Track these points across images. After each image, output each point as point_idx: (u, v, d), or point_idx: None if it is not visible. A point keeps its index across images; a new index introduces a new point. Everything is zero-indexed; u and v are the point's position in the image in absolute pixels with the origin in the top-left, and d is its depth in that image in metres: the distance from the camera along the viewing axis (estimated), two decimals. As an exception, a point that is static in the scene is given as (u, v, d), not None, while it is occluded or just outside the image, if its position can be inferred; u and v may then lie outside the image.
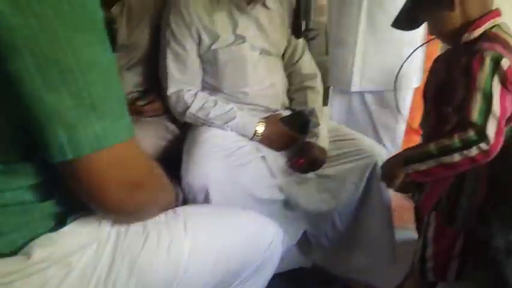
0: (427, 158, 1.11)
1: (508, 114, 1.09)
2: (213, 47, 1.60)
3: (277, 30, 1.70)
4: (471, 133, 1.05)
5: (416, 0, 1.23)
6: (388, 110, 2.06)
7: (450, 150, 1.07)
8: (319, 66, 1.82)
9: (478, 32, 1.14)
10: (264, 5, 1.66)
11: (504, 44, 1.09)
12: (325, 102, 1.94)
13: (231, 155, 1.52)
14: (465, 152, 1.05)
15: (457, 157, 1.07)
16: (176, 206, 0.97)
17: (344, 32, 2.10)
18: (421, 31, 1.98)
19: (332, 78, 2.20)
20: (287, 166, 1.64)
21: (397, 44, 1.98)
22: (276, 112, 1.71)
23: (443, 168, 1.10)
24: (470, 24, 1.15)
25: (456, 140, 1.06)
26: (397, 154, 1.28)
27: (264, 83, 1.68)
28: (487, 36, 1.13)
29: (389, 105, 2.04)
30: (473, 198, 1.16)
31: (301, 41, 1.79)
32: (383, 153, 1.65)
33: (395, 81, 1.48)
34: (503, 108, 1.06)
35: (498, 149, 1.05)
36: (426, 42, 1.45)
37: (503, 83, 1.06)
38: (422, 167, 1.12)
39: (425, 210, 1.27)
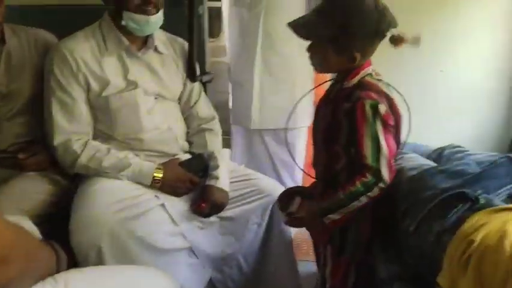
0: (340, 207, 1.20)
1: (394, 152, 1.19)
2: (103, 94, 1.54)
3: (171, 75, 1.69)
4: (369, 177, 1.17)
5: (319, 32, 1.23)
6: (285, 147, 2.14)
7: (356, 195, 1.18)
8: (221, 106, 1.85)
9: (354, 81, 1.24)
10: (156, 50, 1.65)
11: (376, 90, 1.20)
12: (226, 143, 1.96)
13: (127, 206, 1.45)
14: (369, 194, 1.17)
15: (363, 199, 1.18)
16: (58, 271, 0.89)
17: (242, 73, 2.18)
18: (312, 74, 2.12)
19: (233, 117, 2.25)
20: (189, 211, 1.60)
21: (290, 84, 2.09)
22: (175, 157, 1.68)
23: (353, 211, 1.19)
24: (349, 72, 1.25)
25: (359, 186, 1.17)
26: (310, 206, 1.30)
27: (160, 128, 1.64)
28: (362, 84, 1.23)
29: (287, 142, 2.11)
30: (359, 230, 1.22)
31: (197, 84, 1.79)
32: (281, 191, 1.68)
33: (287, 121, 1.53)
34: (389, 147, 1.18)
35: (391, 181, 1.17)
36: (318, 86, 1.54)
37: (384, 126, 1.17)
38: (337, 216, 1.20)
39: (320, 245, 1.31)
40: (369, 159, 1.16)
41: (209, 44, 2.76)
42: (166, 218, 1.55)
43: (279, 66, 2.11)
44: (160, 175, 1.57)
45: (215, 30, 3.33)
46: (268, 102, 2.13)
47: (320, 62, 1.27)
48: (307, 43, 1.27)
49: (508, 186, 0.95)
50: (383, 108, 1.18)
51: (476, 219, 0.86)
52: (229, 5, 2.18)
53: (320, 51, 1.24)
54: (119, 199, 1.44)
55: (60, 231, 1.36)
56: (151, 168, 1.56)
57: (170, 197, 1.59)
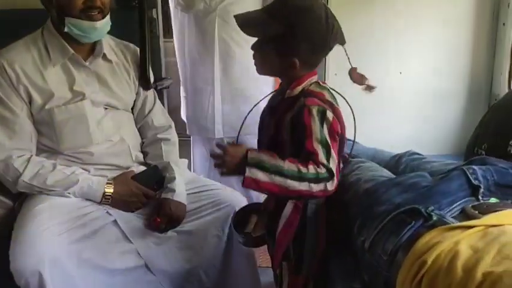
0: (275, 172, 1.06)
1: (337, 161, 1.14)
2: (46, 107, 1.45)
3: (122, 83, 1.61)
4: (323, 170, 1.07)
5: (267, 35, 1.17)
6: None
7: (300, 178, 1.06)
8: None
9: (298, 90, 1.19)
10: (105, 58, 1.57)
11: (321, 98, 1.16)
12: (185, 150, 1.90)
13: (73, 227, 1.36)
14: (312, 184, 1.06)
15: (302, 186, 1.06)
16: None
17: (200, 82, 2.12)
18: (273, 80, 2.08)
19: (190, 127, 2.19)
20: (143, 227, 1.53)
21: (252, 91, 2.04)
22: (128, 169, 1.60)
23: (282, 189, 1.06)
24: (291, 81, 1.19)
25: (311, 171, 1.06)
26: (243, 148, 1.14)
27: (111, 140, 1.56)
28: (306, 92, 1.18)
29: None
30: (314, 246, 1.18)
31: (151, 92, 1.72)
32: (242, 201, 1.64)
33: (240, 128, 1.48)
34: (336, 156, 1.12)
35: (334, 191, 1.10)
36: (271, 93, 1.49)
37: (331, 132, 1.12)
38: (265, 178, 1.06)
39: (276, 261, 1.27)
40: (323, 158, 1.08)
41: (166, 43, 2.68)
42: (118, 236, 1.47)
43: (239, 74, 2.06)
44: (111, 190, 1.49)
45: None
46: (231, 110, 2.08)
47: (261, 62, 1.22)
48: None
49: (460, 201, 0.93)
50: (330, 114, 1.12)
51: (428, 238, 0.83)
52: (174, 9, 2.10)
53: (262, 49, 1.19)
54: (64, 219, 1.36)
55: (2, 256, 1.28)
56: (101, 183, 1.48)
57: (123, 212, 1.52)
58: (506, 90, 1.72)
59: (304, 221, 1.17)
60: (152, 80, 1.72)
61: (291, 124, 1.14)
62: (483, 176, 0.97)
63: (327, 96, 1.18)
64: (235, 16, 1.19)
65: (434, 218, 0.88)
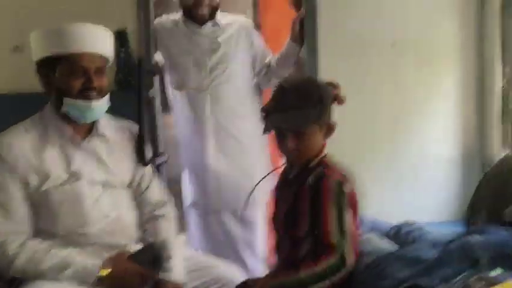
0: (298, 286, 1.12)
1: (356, 233, 1.16)
2: (43, 188, 1.45)
3: (119, 161, 1.62)
4: (334, 260, 1.11)
5: (300, 118, 1.21)
6: (246, 226, 2.07)
7: (320, 278, 1.11)
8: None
9: (316, 160, 1.24)
10: (103, 137, 1.60)
11: (338, 169, 1.21)
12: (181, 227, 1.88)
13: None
14: (332, 277, 1.12)
15: (325, 283, 1.12)
16: None
17: (194, 158, 2.15)
18: (267, 152, 2.12)
19: (190, 200, 2.19)
20: (140, 310, 1.47)
21: (247, 164, 2.06)
22: (126, 248, 1.57)
23: None
24: (317, 153, 1.25)
25: (324, 267, 1.11)
26: (265, 280, 1.24)
27: (108, 218, 1.54)
28: (324, 162, 1.23)
29: (246, 221, 2.06)
30: None
31: (148, 168, 1.73)
32: (241, 278, 1.59)
33: (245, 204, 1.49)
34: (352, 228, 1.16)
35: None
36: (274, 170, 1.51)
37: (348, 205, 1.16)
38: None
39: None
40: (335, 239, 1.12)
41: (166, 119, 2.74)
42: (114, 320, 1.41)
43: (233, 147, 2.10)
44: (107, 272, 1.44)
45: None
46: (226, 183, 2.09)
47: (307, 148, 1.23)
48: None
49: (462, 275, 0.91)
50: (348, 187, 1.17)
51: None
52: (171, 88, 2.18)
53: (309, 136, 1.21)
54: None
55: None
56: (96, 265, 1.44)
57: (119, 295, 1.46)
58: (498, 155, 1.75)
59: None
60: (150, 156, 1.74)
61: (310, 193, 1.17)
62: (483, 247, 0.96)
63: (341, 168, 1.22)
64: (266, 127, 1.24)
65: (438, 294, 0.86)
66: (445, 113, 2.00)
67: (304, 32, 1.94)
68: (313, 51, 1.93)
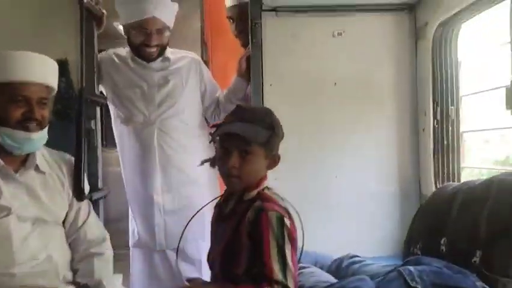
0: None
1: (297, 267, 1.13)
2: (-35, 224, 1.33)
3: (54, 196, 1.53)
4: None
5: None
6: (190, 262, 2.01)
7: None
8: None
9: (254, 193, 1.21)
10: (38, 170, 1.51)
11: (277, 203, 1.19)
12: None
13: None
14: None
15: None
16: None
17: (140, 193, 2.08)
18: (217, 184, 2.09)
19: (133, 241, 2.09)
20: None
21: (195, 198, 2.01)
22: (55, 291, 1.45)
23: None
24: (259, 181, 1.22)
25: None
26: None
27: (37, 258, 1.43)
28: (262, 195, 1.21)
29: (191, 258, 1.99)
30: None
31: (85, 203, 1.64)
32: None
33: (180, 238, 1.43)
34: (293, 262, 1.12)
35: None
36: (209, 203, 1.48)
37: (289, 239, 1.13)
38: None
39: None
40: (278, 275, 1.08)
41: (111, 154, 2.65)
42: None
43: (180, 181, 2.06)
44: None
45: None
46: (174, 220, 2.02)
47: (251, 167, 1.21)
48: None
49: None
50: (287, 221, 1.15)
51: None
52: (115, 121, 2.13)
53: (253, 157, 1.20)
54: None
55: None
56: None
57: None
58: (433, 189, 1.83)
59: None
60: (87, 190, 1.66)
61: (248, 228, 1.14)
62: (419, 276, 0.98)
63: (281, 202, 1.20)
64: (222, 132, 1.23)
65: (377, 325, 0.86)
66: (383, 151, 2.08)
67: (251, 69, 1.99)
68: (258, 87, 1.97)
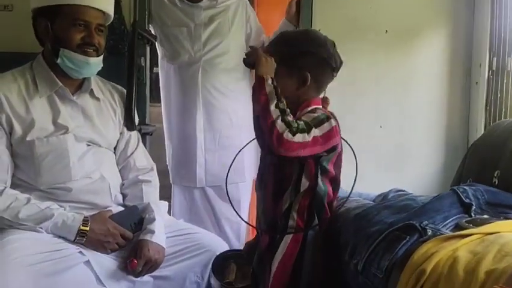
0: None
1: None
2: (28, 138, 1.41)
3: (107, 122, 1.59)
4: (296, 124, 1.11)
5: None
6: (229, 203, 2.04)
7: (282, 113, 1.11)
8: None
9: (305, 112, 1.20)
10: (92, 95, 1.57)
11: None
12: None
13: (43, 261, 1.26)
14: (279, 121, 1.10)
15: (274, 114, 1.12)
16: None
17: (185, 131, 2.12)
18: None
19: (174, 177, 2.15)
20: (118, 270, 1.43)
21: (235, 139, 2.04)
22: (107, 209, 1.53)
23: (265, 105, 1.12)
24: (300, 103, 1.22)
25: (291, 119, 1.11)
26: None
27: (91, 177, 1.50)
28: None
29: (231, 199, 2.03)
30: (312, 278, 1.12)
31: (134, 133, 1.69)
32: (223, 245, 1.57)
33: (226, 177, 1.46)
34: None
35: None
36: (253, 139, 1.49)
37: (326, 137, 1.15)
38: (268, 88, 1.12)
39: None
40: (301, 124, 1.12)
41: (155, 109, 2.70)
42: (90, 277, 1.36)
43: (222, 122, 2.09)
44: (87, 228, 1.40)
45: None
46: (213, 159, 2.06)
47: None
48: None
49: (454, 217, 0.91)
50: (333, 122, 1.16)
51: (425, 249, 0.80)
52: (161, 60, 2.16)
53: (277, 78, 1.17)
54: (34, 252, 1.26)
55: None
56: (77, 219, 1.40)
57: (97, 253, 1.42)
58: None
59: (301, 254, 1.13)
60: (137, 122, 1.72)
61: None
62: (474, 195, 0.97)
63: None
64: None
65: (429, 232, 0.86)
66: (432, 105, 2.03)
67: (300, 13, 1.96)
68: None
